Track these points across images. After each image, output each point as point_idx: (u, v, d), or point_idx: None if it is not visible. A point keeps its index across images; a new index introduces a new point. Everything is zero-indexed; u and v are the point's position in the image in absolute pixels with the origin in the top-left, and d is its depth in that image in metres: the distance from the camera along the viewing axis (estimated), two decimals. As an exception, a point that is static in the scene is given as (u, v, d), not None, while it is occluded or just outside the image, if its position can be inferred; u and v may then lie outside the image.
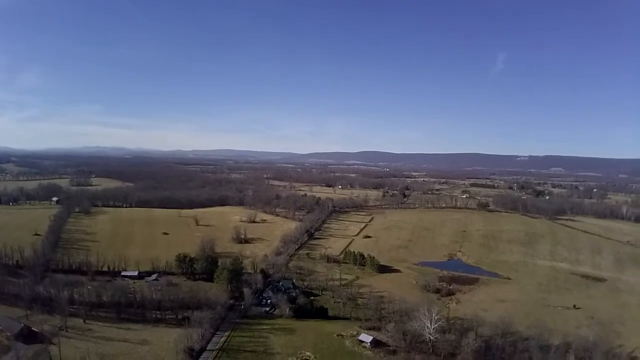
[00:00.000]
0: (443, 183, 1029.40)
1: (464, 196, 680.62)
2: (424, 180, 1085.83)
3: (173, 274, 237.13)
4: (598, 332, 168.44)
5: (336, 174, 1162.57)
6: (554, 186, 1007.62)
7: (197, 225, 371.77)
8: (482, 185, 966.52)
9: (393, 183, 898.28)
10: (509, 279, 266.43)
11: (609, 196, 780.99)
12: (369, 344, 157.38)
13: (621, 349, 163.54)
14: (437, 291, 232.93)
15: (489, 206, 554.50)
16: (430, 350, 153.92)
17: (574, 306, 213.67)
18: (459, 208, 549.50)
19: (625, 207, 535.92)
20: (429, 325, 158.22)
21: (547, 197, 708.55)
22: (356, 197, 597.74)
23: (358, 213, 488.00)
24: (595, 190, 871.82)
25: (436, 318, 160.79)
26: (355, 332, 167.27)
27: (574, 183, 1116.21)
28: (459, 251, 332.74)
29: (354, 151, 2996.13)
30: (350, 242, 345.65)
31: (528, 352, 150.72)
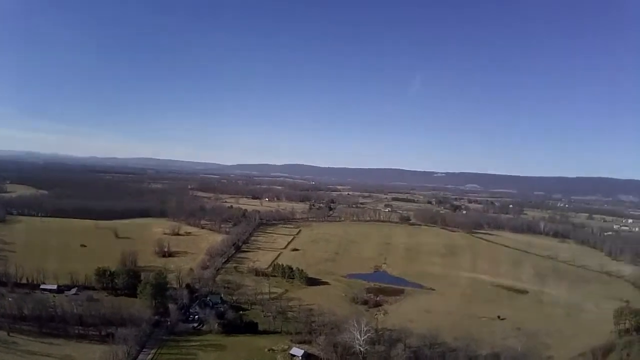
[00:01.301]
0: (367, 197, 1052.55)
1: (387, 210, 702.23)
2: (348, 194, 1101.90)
3: (93, 288, 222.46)
4: (526, 343, 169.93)
5: (262, 186, 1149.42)
6: (470, 201, 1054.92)
7: (117, 237, 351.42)
8: (403, 200, 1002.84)
9: (319, 196, 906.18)
10: (433, 289, 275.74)
11: (525, 212, 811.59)
12: (300, 357, 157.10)
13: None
14: (365, 303, 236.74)
15: (410, 220, 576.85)
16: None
17: (499, 317, 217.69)
18: (382, 221, 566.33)
19: (542, 223, 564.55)
20: (358, 337, 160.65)
21: (464, 212, 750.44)
22: (283, 209, 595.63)
23: (285, 226, 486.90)
24: (511, 206, 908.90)
25: (365, 329, 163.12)
26: (286, 346, 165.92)
27: (489, 199, 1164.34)
28: (384, 263, 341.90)
29: (279, 164, 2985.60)
30: (279, 255, 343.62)
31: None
